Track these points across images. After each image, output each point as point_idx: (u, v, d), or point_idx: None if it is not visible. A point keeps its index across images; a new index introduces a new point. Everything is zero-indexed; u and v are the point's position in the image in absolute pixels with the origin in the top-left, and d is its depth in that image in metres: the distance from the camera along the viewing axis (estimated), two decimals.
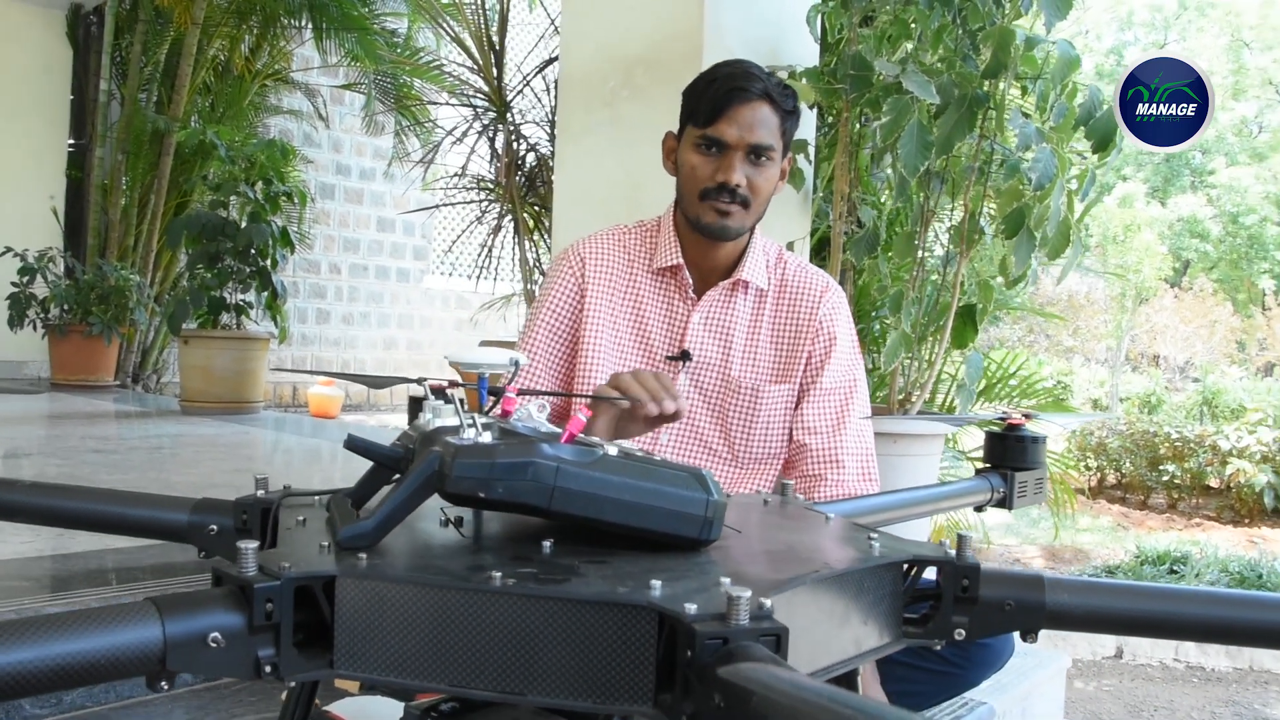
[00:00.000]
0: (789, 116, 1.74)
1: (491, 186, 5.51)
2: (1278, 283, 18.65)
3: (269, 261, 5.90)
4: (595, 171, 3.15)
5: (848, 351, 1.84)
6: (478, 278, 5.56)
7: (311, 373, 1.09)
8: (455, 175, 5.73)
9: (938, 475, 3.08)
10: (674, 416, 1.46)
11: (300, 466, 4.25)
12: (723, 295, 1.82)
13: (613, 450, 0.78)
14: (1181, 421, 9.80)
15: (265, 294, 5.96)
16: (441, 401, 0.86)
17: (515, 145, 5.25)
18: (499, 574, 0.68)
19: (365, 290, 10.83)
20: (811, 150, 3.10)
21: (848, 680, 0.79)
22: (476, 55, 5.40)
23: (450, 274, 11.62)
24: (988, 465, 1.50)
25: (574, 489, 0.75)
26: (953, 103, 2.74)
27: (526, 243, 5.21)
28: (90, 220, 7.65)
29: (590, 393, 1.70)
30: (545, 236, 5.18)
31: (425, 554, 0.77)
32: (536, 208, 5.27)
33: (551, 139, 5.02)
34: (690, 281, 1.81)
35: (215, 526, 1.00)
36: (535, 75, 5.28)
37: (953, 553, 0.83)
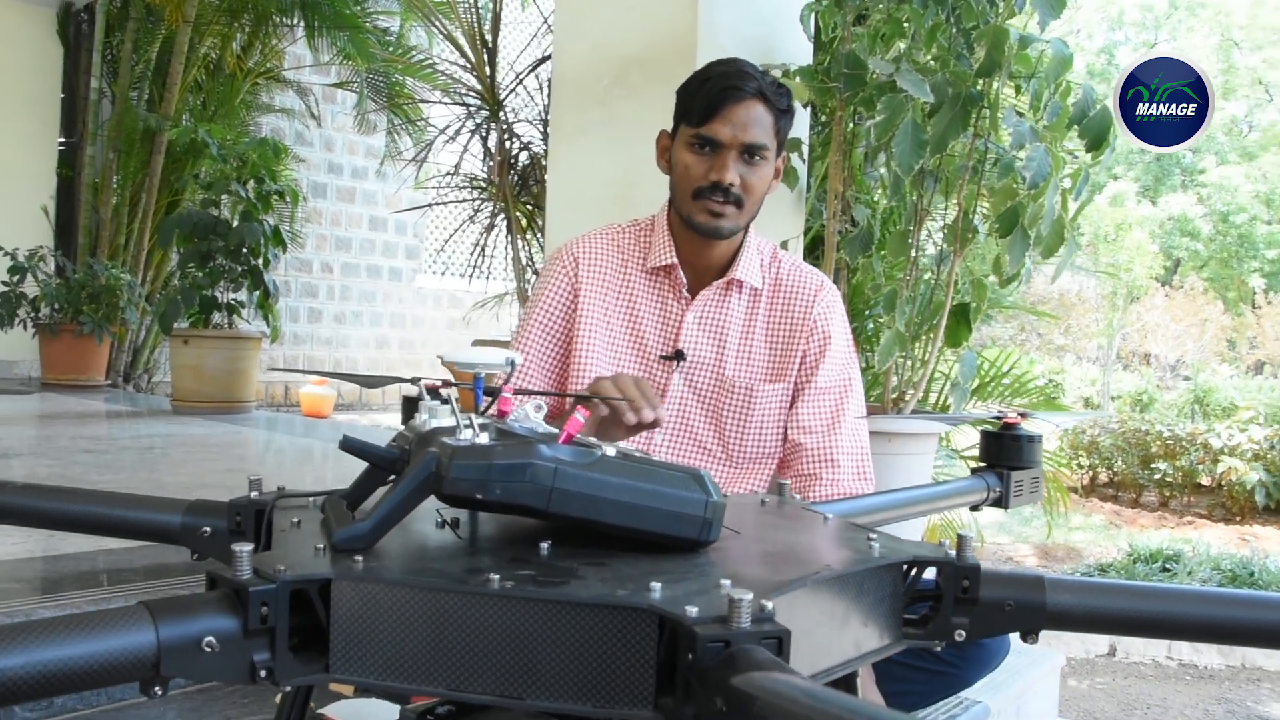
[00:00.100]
0: (783, 115, 1.73)
1: (484, 185, 5.50)
2: (1268, 281, 18.72)
3: (261, 260, 5.87)
4: (589, 170, 3.14)
5: (842, 350, 1.84)
6: (471, 277, 5.55)
7: (310, 372, 1.09)
8: (448, 174, 5.72)
9: (932, 474, 3.08)
10: (653, 424, 1.46)
11: (292, 466, 4.24)
12: (717, 294, 1.81)
13: (611, 451, 0.77)
14: (1173, 420, 9.83)
15: (257, 293, 5.93)
16: (437, 402, 0.85)
17: (508, 144, 5.24)
18: (497, 576, 0.68)
19: (357, 289, 10.81)
20: (805, 149, 3.09)
21: (847, 682, 0.79)
22: (469, 53, 5.39)
23: (443, 273, 11.60)
24: (984, 464, 1.50)
25: (572, 490, 0.74)
26: (947, 101, 2.73)
27: (519, 242, 5.20)
28: (81, 219, 7.61)
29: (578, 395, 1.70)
30: (538, 235, 5.17)
31: (422, 556, 0.77)
32: (530, 206, 5.26)
33: (545, 137, 5.01)
34: (684, 281, 1.81)
35: (209, 528, 1.00)
36: (528, 74, 5.28)
37: (953, 553, 0.82)
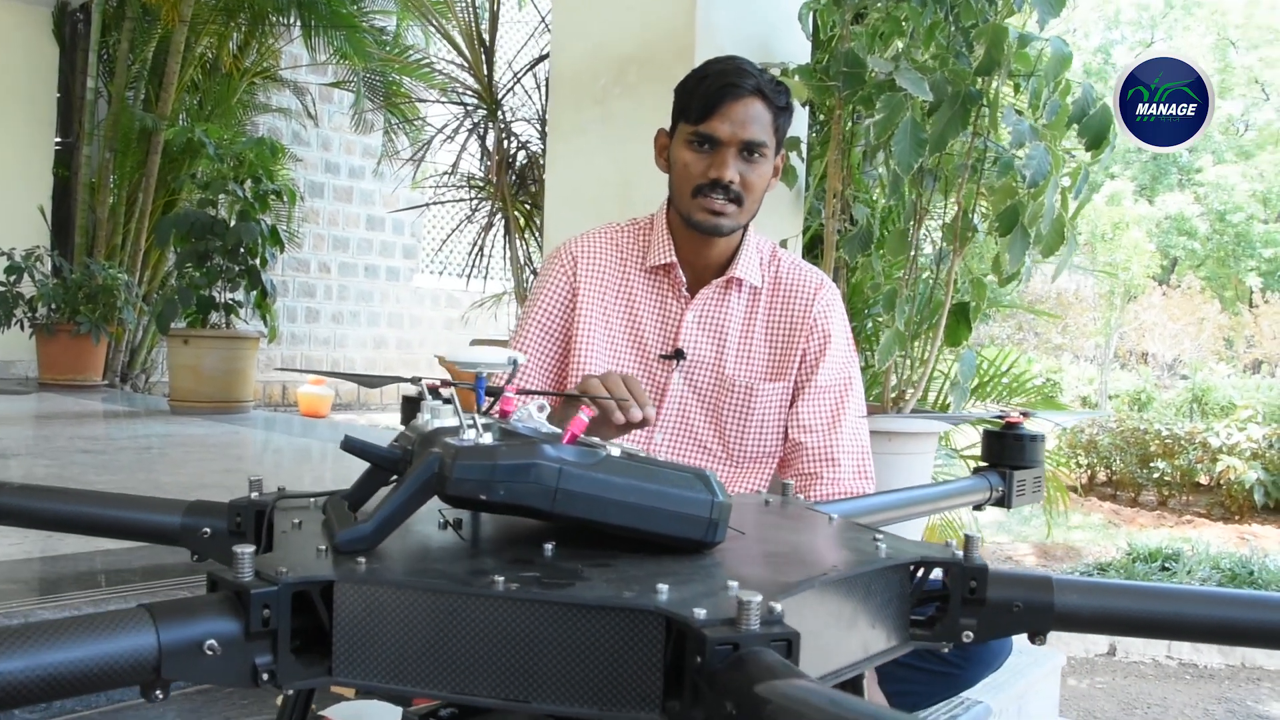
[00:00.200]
0: (782, 113, 1.73)
1: (482, 184, 5.49)
2: (1265, 280, 18.73)
3: (258, 260, 5.86)
4: (587, 169, 3.13)
5: (842, 349, 1.83)
6: (468, 276, 5.53)
7: (314, 372, 1.08)
8: (445, 173, 5.71)
9: (932, 474, 3.07)
10: (642, 423, 1.45)
11: (290, 466, 4.23)
12: (716, 293, 1.81)
13: (615, 451, 0.76)
14: (1171, 419, 9.83)
15: (254, 293, 5.92)
16: (440, 402, 0.85)
17: (506, 143, 5.23)
18: (501, 578, 0.67)
19: (355, 289, 10.80)
20: (804, 148, 3.09)
21: (854, 685, 0.78)
22: (466, 52, 5.37)
23: (440, 273, 11.58)
24: (986, 464, 1.50)
25: (577, 491, 0.74)
26: (946, 100, 2.73)
27: (518, 241, 5.19)
28: (78, 219, 7.60)
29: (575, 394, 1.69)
30: (536, 235, 5.16)
31: (425, 558, 0.76)
32: (527, 206, 5.25)
33: (542, 137, 5.00)
34: (684, 279, 1.80)
35: (208, 529, 0.99)
36: (526, 73, 5.26)
37: (960, 554, 0.81)
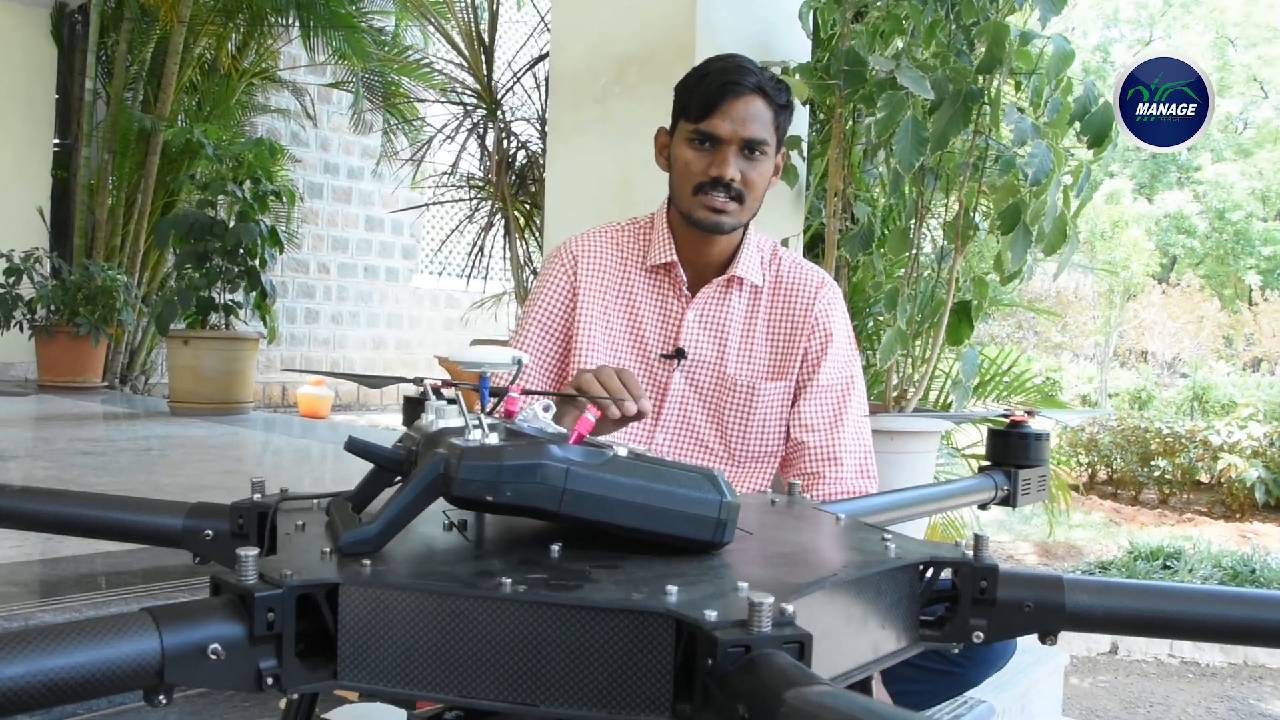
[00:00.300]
0: (782, 110, 1.72)
1: (482, 184, 5.48)
2: (1264, 278, 18.72)
3: (257, 261, 5.86)
4: (587, 169, 3.13)
5: (844, 348, 1.83)
6: (468, 276, 5.53)
7: (318, 373, 1.07)
8: (445, 174, 5.70)
9: (934, 473, 3.06)
10: (638, 416, 1.44)
11: (290, 467, 4.22)
12: (717, 292, 1.80)
13: (623, 452, 0.76)
14: (1172, 417, 9.82)
15: (254, 294, 5.92)
16: (444, 402, 0.84)
17: (506, 143, 5.22)
18: (508, 580, 0.66)
19: (354, 289, 10.79)
20: (805, 147, 3.08)
21: (863, 686, 0.77)
22: (466, 52, 5.36)
23: (440, 273, 11.57)
24: (991, 463, 1.49)
25: (584, 491, 0.73)
26: (947, 98, 2.72)
27: (517, 241, 5.18)
28: (77, 220, 7.59)
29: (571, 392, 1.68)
30: (536, 234, 5.15)
31: (430, 560, 0.75)
32: (527, 205, 5.24)
33: (542, 136, 4.99)
34: (684, 278, 1.79)
35: (211, 531, 0.98)
36: (526, 72, 5.25)
37: (970, 554, 0.81)
